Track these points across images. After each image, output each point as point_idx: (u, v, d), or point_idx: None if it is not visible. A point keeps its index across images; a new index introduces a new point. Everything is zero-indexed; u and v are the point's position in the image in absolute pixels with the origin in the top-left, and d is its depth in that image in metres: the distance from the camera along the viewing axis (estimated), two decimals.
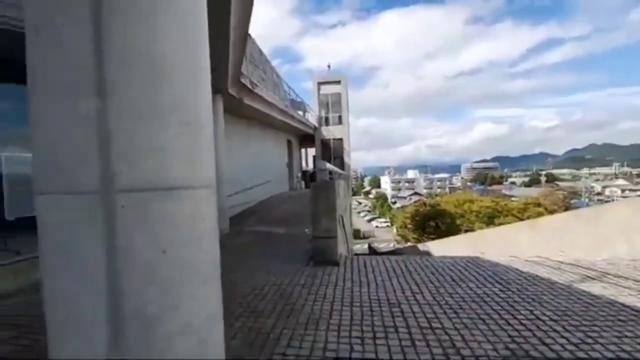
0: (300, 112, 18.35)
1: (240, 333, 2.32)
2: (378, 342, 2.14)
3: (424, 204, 33.45)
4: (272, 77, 13.38)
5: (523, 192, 79.08)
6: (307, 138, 21.07)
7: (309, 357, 1.98)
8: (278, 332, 2.32)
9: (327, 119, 20.83)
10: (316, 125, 20.38)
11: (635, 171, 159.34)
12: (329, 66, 23.03)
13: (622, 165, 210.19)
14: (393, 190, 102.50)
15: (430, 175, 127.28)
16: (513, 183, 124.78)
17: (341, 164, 20.41)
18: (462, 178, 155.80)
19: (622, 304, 2.65)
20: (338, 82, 21.09)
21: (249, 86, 7.64)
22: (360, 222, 66.82)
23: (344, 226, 5.81)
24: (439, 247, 19.49)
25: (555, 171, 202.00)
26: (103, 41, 0.91)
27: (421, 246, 23.07)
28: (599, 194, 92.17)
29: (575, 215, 10.68)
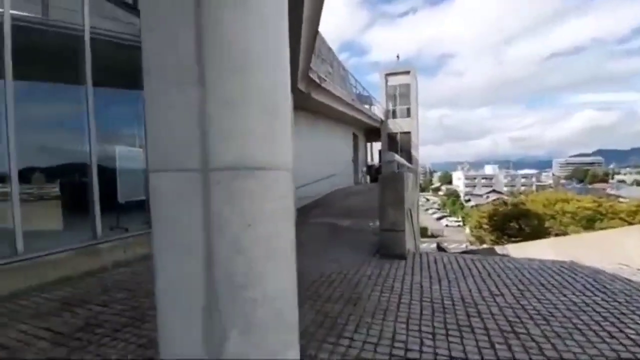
0: (367, 106, 18.13)
1: (308, 314, 2.43)
2: (451, 339, 2.03)
3: (505, 202, 30.13)
4: (338, 71, 13.49)
5: (635, 192, 65.74)
6: (373, 132, 20.73)
7: (377, 344, 1.98)
8: (345, 317, 2.37)
9: (394, 111, 20.18)
10: (383, 118, 19.92)
11: None
12: (397, 57, 22.48)
13: None
14: (467, 187, 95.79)
15: (512, 172, 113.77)
16: (622, 181, 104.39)
17: (409, 158, 19.65)
18: (553, 175, 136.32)
19: None
20: (407, 73, 20.22)
21: (317, 81, 7.83)
22: (428, 220, 63.38)
23: (412, 220, 5.61)
24: (522, 251, 17.48)
25: None
26: (203, 38, 1.05)
27: (499, 249, 20.96)
28: None
29: None
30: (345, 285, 3.08)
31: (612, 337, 2.01)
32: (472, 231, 34.54)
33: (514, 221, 25.93)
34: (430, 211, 79.59)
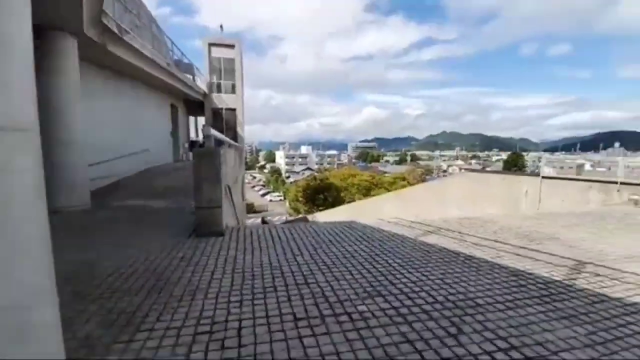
0: (189, 76, 16.38)
1: (96, 316, 2.01)
2: (256, 302, 2.21)
3: (315, 178, 35.73)
4: (150, 28, 11.34)
5: (394, 169, 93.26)
6: (196, 105, 19.07)
7: (181, 327, 1.89)
8: (146, 309, 2.12)
9: (219, 85, 19.19)
10: (206, 91, 18.61)
11: (470, 154, 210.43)
12: (221, 27, 20.96)
13: (462, 149, 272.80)
14: (287, 165, 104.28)
15: (322, 152, 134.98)
16: (387, 161, 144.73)
17: (234, 136, 19.47)
18: (348, 155, 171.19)
19: (447, 249, 3.49)
20: (232, 46, 19.42)
21: (115, 31, 6.28)
22: (254, 196, 66.31)
23: (231, 197, 5.64)
24: (326, 217, 21.34)
25: (418, 152, 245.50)
26: None
27: (310, 217, 24.71)
28: (444, 171, 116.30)
29: (427, 187, 13.28)
30: (151, 273, 2.75)
31: (369, 272, 2.79)
32: (290, 204, 39.17)
33: (321, 193, 31.27)
34: (256, 188, 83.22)
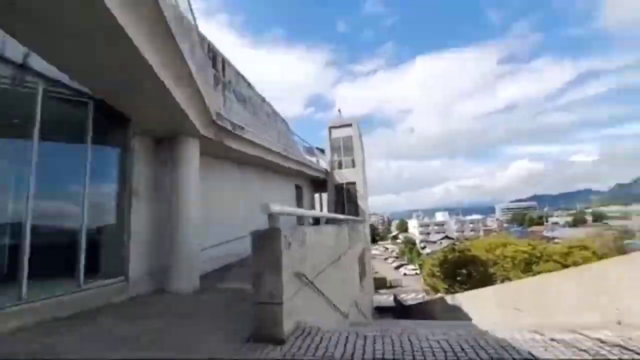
0: (314, 158, 18.01)
1: None
2: None
3: (453, 249, 30.64)
4: (275, 124, 13.27)
5: (567, 232, 71.91)
6: (320, 183, 20.45)
7: None
8: None
9: (340, 163, 20.34)
10: (328, 169, 19.88)
11: None
12: (339, 110, 23.16)
13: None
14: (421, 234, 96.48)
15: (462, 218, 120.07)
16: (555, 223, 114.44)
17: (355, 208, 19.38)
18: (497, 219, 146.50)
19: None
20: (349, 125, 20.95)
21: (230, 128, 7.25)
22: (386, 269, 62.89)
23: (314, 286, 4.69)
24: (471, 301, 17.06)
25: (602, 209, 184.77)
26: None
27: (450, 299, 20.42)
28: None
29: (632, 259, 8.58)
30: None
31: None
32: (425, 280, 34.15)
33: (464, 268, 26.16)
34: (389, 260, 79.14)
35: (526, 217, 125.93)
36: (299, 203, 17.72)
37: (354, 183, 19.74)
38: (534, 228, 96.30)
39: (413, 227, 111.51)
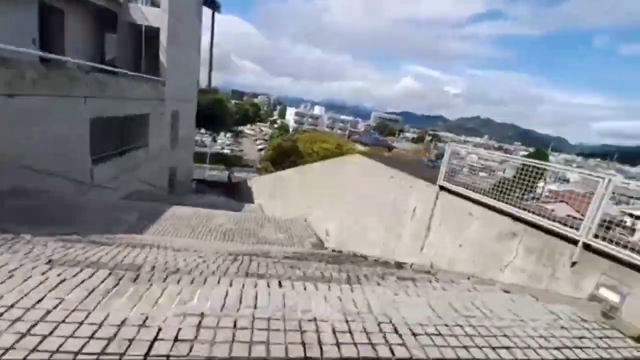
0: None
1: None
2: None
3: (290, 139, 31.80)
4: None
5: (406, 146, 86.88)
6: (113, 20, 14.73)
7: None
8: None
9: None
10: None
11: (496, 145, 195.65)
12: None
13: (491, 138, 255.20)
14: (296, 123, 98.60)
15: (336, 116, 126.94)
16: (404, 137, 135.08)
17: (155, 65, 15.45)
18: (367, 125, 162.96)
19: None
20: None
21: None
22: (250, 149, 65.86)
23: None
24: (255, 185, 17.52)
25: (443, 134, 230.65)
26: None
27: (249, 181, 20.87)
28: (462, 158, 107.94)
29: (324, 168, 8.73)
30: None
31: None
32: (262, 162, 35.56)
33: (291, 156, 27.66)
34: (258, 142, 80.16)
35: (387, 128, 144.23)
36: (50, 38, 12.21)
37: (157, 29, 15.11)
38: (388, 137, 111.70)
39: (289, 114, 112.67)
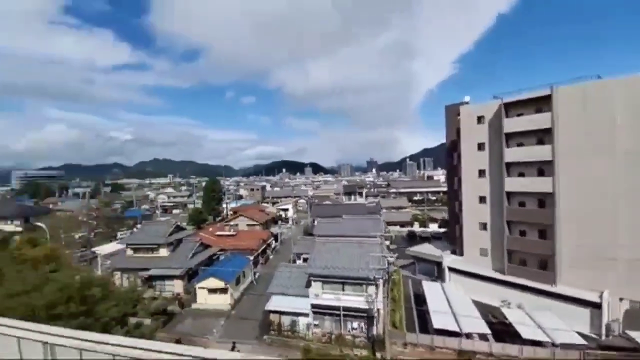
0: None
1: None
2: None
3: None
4: None
5: (76, 204, 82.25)
6: None
7: None
8: None
9: None
10: None
11: (182, 181, 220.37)
12: None
13: (175, 177, 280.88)
14: None
15: None
16: (76, 194, 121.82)
17: None
18: (9, 190, 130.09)
19: None
20: None
21: None
22: None
23: None
24: None
25: (126, 181, 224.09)
26: None
27: None
28: (152, 200, 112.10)
29: None
30: None
31: None
32: None
33: None
34: None
35: (42, 187, 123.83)
36: None
37: None
38: (48, 199, 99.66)
39: None
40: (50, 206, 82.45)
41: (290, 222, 65.26)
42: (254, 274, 35.95)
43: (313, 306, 23.91)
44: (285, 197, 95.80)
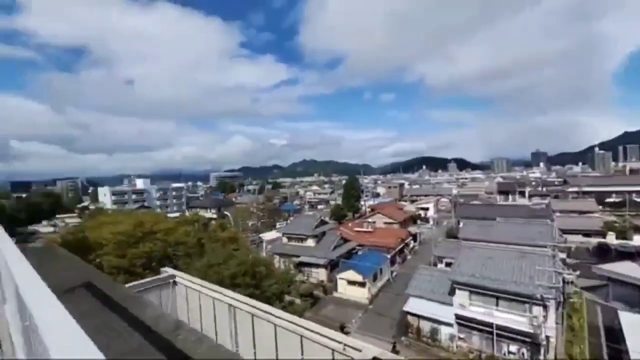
0: None
1: None
2: None
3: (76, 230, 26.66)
4: None
5: (249, 198, 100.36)
6: None
7: None
8: None
9: None
10: None
11: (326, 179, 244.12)
12: None
13: (319, 175, 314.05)
14: (116, 204, 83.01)
15: (166, 185, 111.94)
16: (248, 190, 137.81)
17: None
18: (207, 187, 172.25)
19: None
20: None
21: None
22: None
23: None
24: None
25: (282, 179, 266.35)
26: None
27: None
28: (301, 197, 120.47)
29: None
30: None
31: None
32: None
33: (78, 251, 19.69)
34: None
35: (227, 185, 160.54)
36: None
37: None
38: (231, 194, 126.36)
39: (104, 195, 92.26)
40: (233, 199, 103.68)
41: (431, 222, 61.14)
42: (391, 272, 35.59)
43: (458, 317, 21.46)
44: (425, 195, 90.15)
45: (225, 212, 59.52)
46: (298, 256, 35.98)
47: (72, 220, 58.48)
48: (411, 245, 46.51)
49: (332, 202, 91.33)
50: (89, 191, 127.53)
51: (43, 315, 1.57)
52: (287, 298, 23.30)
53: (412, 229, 52.31)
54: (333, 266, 34.94)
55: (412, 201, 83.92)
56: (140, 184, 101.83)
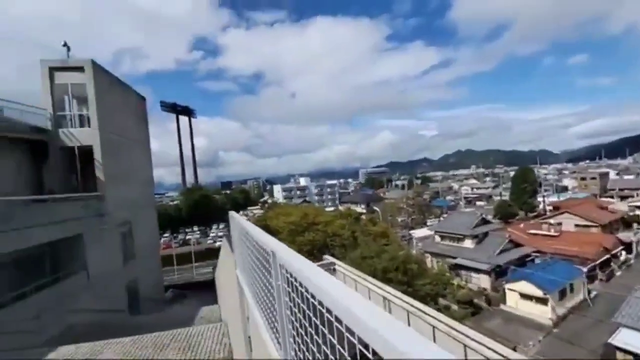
0: None
1: None
2: None
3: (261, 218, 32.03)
4: None
5: (397, 193, 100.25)
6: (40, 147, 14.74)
7: None
8: None
9: (72, 118, 15.58)
10: (49, 127, 14.82)
11: (486, 172, 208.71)
12: (66, 46, 16.19)
13: (478, 167, 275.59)
14: (285, 199, 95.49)
15: (323, 182, 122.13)
16: (396, 185, 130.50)
17: (92, 180, 15.26)
18: (357, 183, 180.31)
19: None
20: (81, 69, 15.21)
21: None
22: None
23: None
24: None
25: (432, 173, 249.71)
26: None
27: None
28: (455, 192, 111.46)
29: None
30: None
31: None
32: None
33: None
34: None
35: (375, 181, 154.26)
36: None
37: (90, 147, 15.19)
38: (379, 190, 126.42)
39: (277, 191, 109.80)
40: (381, 195, 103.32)
41: None
42: (588, 291, 27.18)
43: None
44: None
45: (374, 207, 61.14)
46: (454, 257, 32.87)
47: (257, 211, 69.37)
48: (622, 258, 34.08)
49: (497, 198, 79.20)
50: (267, 188, 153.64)
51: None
52: (442, 302, 21.65)
53: (624, 235, 38.16)
54: (498, 273, 29.96)
55: (623, 197, 61.45)
56: (302, 181, 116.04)
